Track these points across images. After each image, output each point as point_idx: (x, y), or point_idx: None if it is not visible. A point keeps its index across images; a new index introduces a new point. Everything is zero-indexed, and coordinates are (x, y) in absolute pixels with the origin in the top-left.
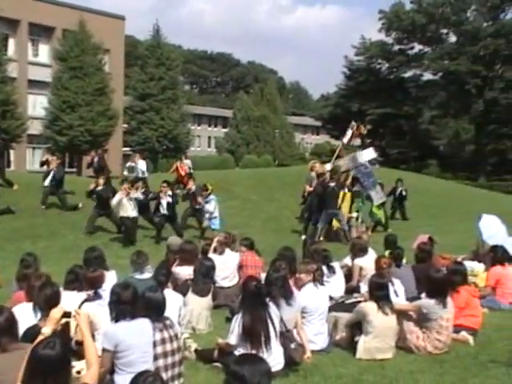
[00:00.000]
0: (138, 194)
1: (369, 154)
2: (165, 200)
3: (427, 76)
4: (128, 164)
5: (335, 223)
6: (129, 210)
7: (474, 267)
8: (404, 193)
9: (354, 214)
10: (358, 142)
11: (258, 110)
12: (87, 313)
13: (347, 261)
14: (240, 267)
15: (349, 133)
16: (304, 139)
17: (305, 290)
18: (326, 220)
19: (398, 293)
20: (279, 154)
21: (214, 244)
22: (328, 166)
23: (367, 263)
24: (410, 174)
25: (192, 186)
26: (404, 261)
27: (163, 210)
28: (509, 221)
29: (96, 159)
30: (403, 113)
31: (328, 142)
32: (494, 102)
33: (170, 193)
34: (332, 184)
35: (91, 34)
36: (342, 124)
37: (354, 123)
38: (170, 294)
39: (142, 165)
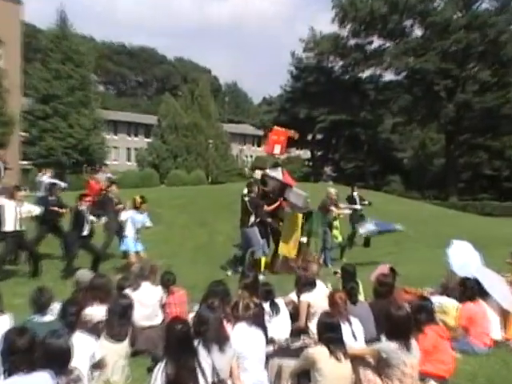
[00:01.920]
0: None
1: (297, 200)
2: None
3: (388, 76)
4: (41, 178)
5: (283, 249)
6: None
7: (444, 303)
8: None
9: (303, 239)
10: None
11: (187, 116)
12: None
13: (293, 296)
14: (163, 305)
15: (270, 140)
16: (243, 151)
17: (238, 330)
18: (250, 244)
19: (357, 334)
20: (213, 169)
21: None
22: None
23: (316, 299)
24: (368, 193)
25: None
26: (361, 297)
27: (83, 231)
28: (484, 247)
29: None
30: (360, 119)
31: (271, 155)
32: (466, 106)
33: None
34: (246, 198)
35: None
36: None
37: (275, 127)
38: (79, 339)
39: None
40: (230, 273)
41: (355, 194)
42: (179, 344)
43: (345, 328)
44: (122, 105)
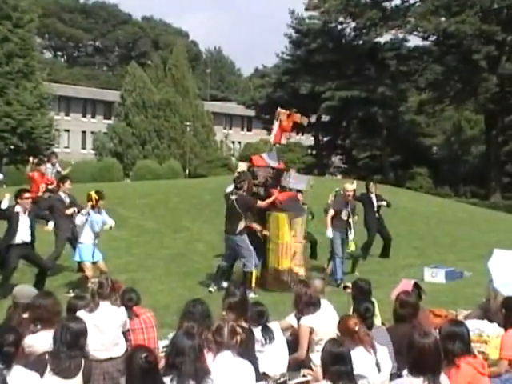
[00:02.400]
0: None
1: (299, 183)
2: (24, 216)
3: (414, 41)
4: None
5: (282, 261)
6: None
7: (484, 329)
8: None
9: (299, 244)
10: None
11: (158, 91)
12: None
13: (291, 320)
14: (127, 330)
15: (275, 127)
16: (229, 136)
17: (221, 362)
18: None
19: (382, 365)
20: (191, 159)
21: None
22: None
23: (321, 323)
24: (387, 189)
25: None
26: (377, 320)
27: (23, 236)
28: None
29: None
30: (377, 97)
31: (265, 141)
32: None
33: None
34: (233, 196)
35: None
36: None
37: (280, 110)
38: (19, 376)
39: None
40: (212, 289)
41: (372, 191)
42: (143, 377)
43: (368, 357)
44: (76, 77)
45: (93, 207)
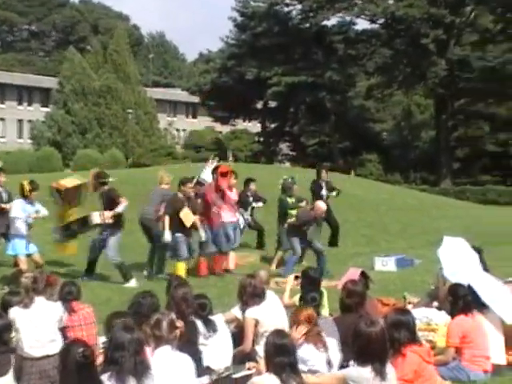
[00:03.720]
0: None
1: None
2: None
3: (362, 24)
4: None
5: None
6: None
7: (432, 317)
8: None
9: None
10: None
11: (98, 77)
12: None
13: (236, 312)
14: (63, 327)
15: (207, 171)
16: (173, 124)
17: (159, 357)
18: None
19: (333, 361)
20: (134, 148)
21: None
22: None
23: (266, 315)
24: (336, 176)
25: None
26: (324, 311)
27: None
28: (485, 245)
29: None
30: (325, 81)
31: (211, 129)
32: (462, 63)
33: None
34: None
35: None
36: (232, 100)
37: (211, 158)
38: None
39: None
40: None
41: (323, 179)
42: (78, 373)
43: (320, 356)
44: (10, 62)
45: (25, 198)
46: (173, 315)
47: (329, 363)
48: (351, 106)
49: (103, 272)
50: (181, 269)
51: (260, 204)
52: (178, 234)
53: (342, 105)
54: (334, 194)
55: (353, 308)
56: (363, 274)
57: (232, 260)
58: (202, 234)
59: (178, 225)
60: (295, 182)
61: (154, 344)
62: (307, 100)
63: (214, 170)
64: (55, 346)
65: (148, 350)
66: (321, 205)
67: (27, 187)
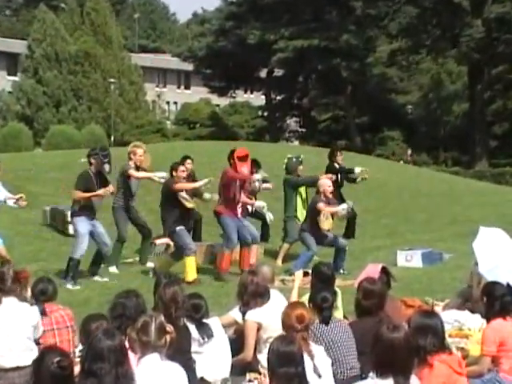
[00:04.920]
0: None
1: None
2: None
3: None
4: None
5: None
6: None
7: (464, 321)
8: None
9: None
10: None
11: (75, 41)
12: None
13: (235, 314)
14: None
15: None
16: (162, 95)
17: (146, 366)
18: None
19: (321, 370)
20: (117, 124)
21: None
22: None
23: (270, 318)
24: (354, 157)
25: None
26: (338, 313)
27: None
28: None
29: None
30: (340, 46)
31: (206, 101)
32: (501, 22)
33: None
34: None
35: None
36: (231, 68)
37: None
38: None
39: None
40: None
41: (339, 162)
42: None
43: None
44: None
45: None
46: (162, 318)
47: (315, 371)
48: (371, 74)
49: (82, 268)
50: (191, 264)
51: (269, 185)
52: (180, 227)
53: (360, 73)
54: (360, 178)
55: (371, 310)
56: (384, 271)
57: (254, 254)
58: (271, 216)
59: (178, 216)
60: (301, 162)
61: (140, 351)
62: (319, 68)
63: (230, 155)
64: (29, 356)
65: (133, 357)
66: (323, 181)
67: None
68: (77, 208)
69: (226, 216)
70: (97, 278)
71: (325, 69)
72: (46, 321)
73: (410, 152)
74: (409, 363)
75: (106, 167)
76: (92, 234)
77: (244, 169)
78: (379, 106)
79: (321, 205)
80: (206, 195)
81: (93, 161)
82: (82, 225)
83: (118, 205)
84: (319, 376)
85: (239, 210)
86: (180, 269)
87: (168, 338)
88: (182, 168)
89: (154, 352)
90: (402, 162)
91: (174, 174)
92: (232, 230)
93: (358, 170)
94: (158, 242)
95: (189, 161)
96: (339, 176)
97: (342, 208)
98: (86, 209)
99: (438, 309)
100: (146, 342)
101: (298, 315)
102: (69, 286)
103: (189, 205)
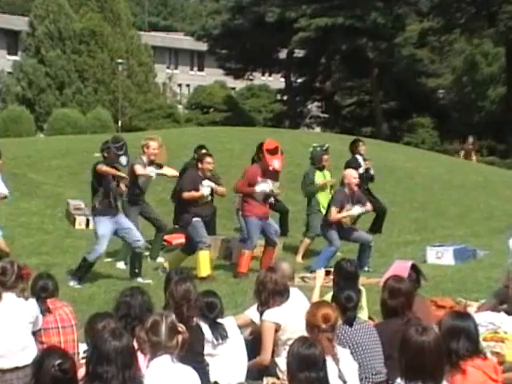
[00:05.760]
0: None
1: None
2: None
3: None
4: None
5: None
6: None
7: (500, 324)
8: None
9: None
10: None
11: (80, 18)
12: None
13: (252, 314)
14: (37, 331)
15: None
16: (174, 77)
17: (156, 369)
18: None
19: (347, 376)
20: (125, 108)
21: None
22: None
23: (289, 318)
24: (381, 145)
25: None
26: (363, 314)
27: None
28: None
29: None
30: (367, 25)
31: (221, 84)
32: None
33: None
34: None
35: None
36: (249, 48)
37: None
38: None
39: None
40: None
41: (362, 154)
42: None
43: (328, 366)
44: None
45: None
46: (173, 317)
47: (340, 377)
48: (399, 55)
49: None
50: (204, 259)
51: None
52: (196, 219)
53: (388, 55)
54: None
55: (397, 311)
56: (414, 268)
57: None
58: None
59: (196, 208)
60: (327, 151)
61: (150, 352)
62: (343, 48)
63: (259, 149)
64: (27, 355)
65: (142, 359)
66: (349, 172)
67: None
68: (97, 204)
69: (253, 217)
70: (139, 279)
71: (349, 49)
72: (50, 318)
73: (471, 140)
74: (439, 369)
75: (123, 160)
76: (117, 233)
77: (275, 162)
78: (408, 90)
79: (333, 211)
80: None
81: (106, 155)
82: (103, 226)
83: (129, 197)
84: (344, 382)
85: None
86: (192, 264)
87: (180, 338)
88: (208, 159)
89: (165, 354)
90: (462, 153)
91: (199, 165)
92: (256, 231)
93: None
94: (174, 242)
95: (209, 159)
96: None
97: (357, 211)
98: (107, 205)
99: (472, 310)
100: (156, 342)
101: (324, 314)
102: (72, 283)
103: (208, 198)
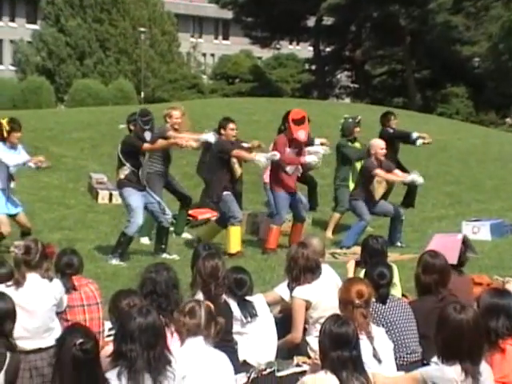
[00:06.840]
0: None
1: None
2: None
3: None
4: None
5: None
6: None
7: None
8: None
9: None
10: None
11: None
12: None
13: (281, 291)
14: (62, 311)
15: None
16: (198, 47)
17: (187, 352)
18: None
19: (382, 355)
20: (148, 78)
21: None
22: None
23: (320, 295)
24: (413, 116)
25: None
26: (396, 291)
27: None
28: None
29: None
30: None
31: (247, 53)
32: None
33: None
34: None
35: None
36: (276, 15)
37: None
38: None
39: None
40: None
41: (393, 127)
42: (76, 370)
43: (362, 345)
44: None
45: (4, 140)
46: (212, 307)
47: (375, 356)
48: (433, 22)
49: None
50: (235, 234)
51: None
52: (227, 192)
53: (421, 21)
54: (423, 141)
55: (431, 287)
56: (464, 242)
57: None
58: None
59: (227, 181)
60: (359, 123)
61: (187, 334)
62: (374, 15)
63: (284, 118)
64: (51, 336)
65: (176, 340)
66: (375, 142)
67: (6, 127)
68: (124, 176)
69: (281, 191)
70: (165, 255)
71: (381, 17)
72: (76, 296)
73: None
74: (478, 348)
75: (147, 135)
76: (146, 207)
77: (301, 133)
78: (442, 59)
79: (378, 171)
80: (261, 159)
81: (132, 127)
82: (134, 197)
83: (154, 170)
84: (379, 361)
85: (295, 182)
86: (221, 240)
87: (217, 327)
88: (231, 126)
89: (201, 335)
90: (508, 119)
91: (222, 132)
92: (284, 206)
93: (415, 134)
94: (200, 217)
95: (231, 126)
96: (394, 142)
97: (411, 178)
98: (135, 179)
99: (511, 287)
100: (194, 325)
101: (358, 290)
102: (114, 261)
103: (239, 171)
